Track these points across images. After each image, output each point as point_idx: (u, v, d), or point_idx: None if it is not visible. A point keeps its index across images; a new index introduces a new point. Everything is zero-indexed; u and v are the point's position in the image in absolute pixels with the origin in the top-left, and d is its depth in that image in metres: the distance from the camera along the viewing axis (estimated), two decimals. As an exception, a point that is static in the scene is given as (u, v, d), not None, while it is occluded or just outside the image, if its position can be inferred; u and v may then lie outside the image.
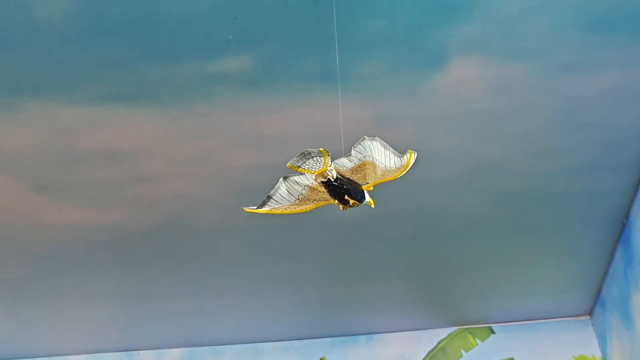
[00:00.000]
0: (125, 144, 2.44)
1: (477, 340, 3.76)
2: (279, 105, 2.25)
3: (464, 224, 2.97)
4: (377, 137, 1.40)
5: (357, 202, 1.42)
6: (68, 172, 2.58)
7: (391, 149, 1.42)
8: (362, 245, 3.11)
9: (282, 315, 3.68)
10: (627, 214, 2.92)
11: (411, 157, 1.43)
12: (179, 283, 3.33)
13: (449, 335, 3.81)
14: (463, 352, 3.74)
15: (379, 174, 1.43)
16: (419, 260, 3.25)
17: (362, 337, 3.86)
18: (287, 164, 1.40)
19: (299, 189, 1.46)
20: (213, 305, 3.53)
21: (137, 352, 3.97)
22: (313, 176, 1.41)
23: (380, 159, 1.41)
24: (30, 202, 2.73)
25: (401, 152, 1.45)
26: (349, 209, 1.47)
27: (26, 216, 2.81)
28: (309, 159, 1.38)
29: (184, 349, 3.95)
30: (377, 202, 2.71)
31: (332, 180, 1.40)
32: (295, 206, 1.49)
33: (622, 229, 3.01)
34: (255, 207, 1.50)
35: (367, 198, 1.46)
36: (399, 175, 1.44)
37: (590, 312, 3.69)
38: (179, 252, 3.10)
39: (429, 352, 3.76)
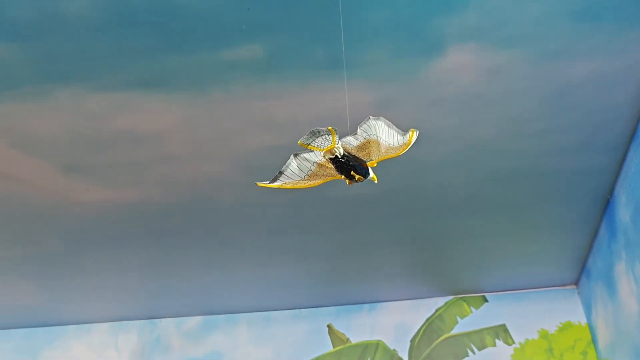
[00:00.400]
0: (147, 128, 2.46)
1: (471, 308, 3.78)
2: (289, 90, 2.26)
3: (459, 201, 2.98)
4: (381, 117, 1.42)
5: (362, 178, 1.44)
6: (95, 154, 2.60)
7: (395, 127, 1.43)
8: (365, 220, 3.12)
9: (292, 285, 3.70)
10: (611, 191, 2.93)
11: (413, 135, 1.44)
12: (197, 256, 3.35)
13: (445, 303, 3.83)
14: (458, 319, 3.76)
15: (383, 151, 1.44)
16: (417, 234, 3.26)
17: (366, 306, 3.88)
18: (298, 142, 1.42)
19: (308, 165, 1.48)
20: (228, 276, 3.55)
21: (159, 319, 4.00)
22: (322, 153, 1.43)
23: (384, 137, 1.42)
24: (61, 182, 2.76)
25: (403, 132, 1.46)
26: (354, 184, 1.49)
27: (57, 195, 2.84)
28: (318, 137, 1.39)
29: (201, 317, 3.99)
30: (379, 180, 2.74)
31: (339, 157, 1.42)
32: (304, 181, 1.51)
33: (606, 205, 3.02)
34: (268, 182, 1.52)
35: (371, 174, 1.47)
36: (401, 152, 1.45)
37: (576, 282, 3.71)
38: (197, 228, 3.12)
39: (427, 319, 3.78)
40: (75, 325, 4.03)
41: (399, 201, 2.96)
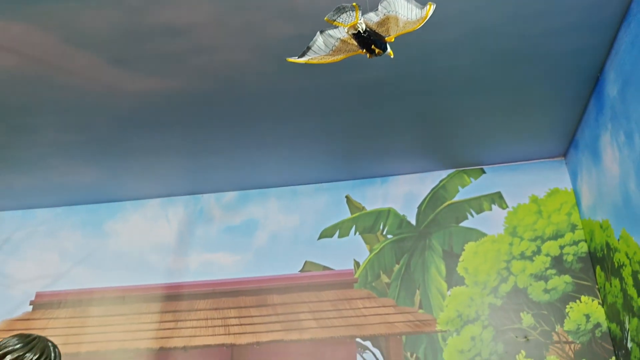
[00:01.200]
0: (183, 20, 2.44)
1: (471, 179, 3.85)
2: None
3: (463, 82, 2.96)
4: None
5: (381, 52, 1.44)
6: (137, 46, 2.59)
7: (413, 1, 1.41)
8: (378, 102, 3.12)
9: (314, 162, 3.77)
10: (601, 69, 2.88)
11: (430, 9, 1.42)
12: (231, 137, 3.40)
13: (448, 175, 3.89)
14: (460, 188, 3.83)
15: (401, 26, 1.42)
16: (425, 114, 3.26)
17: (378, 179, 3.96)
18: (325, 18, 1.41)
19: (333, 41, 1.47)
20: (259, 155, 3.62)
21: (202, 195, 4.14)
22: (345, 29, 1.42)
23: (403, 12, 1.39)
24: (108, 73, 2.78)
25: (421, 5, 1.43)
26: (374, 58, 1.49)
27: (106, 85, 2.87)
28: (343, 13, 1.38)
29: (237, 192, 4.11)
30: (391, 65, 2.71)
31: (362, 32, 1.41)
32: (329, 56, 1.51)
33: (596, 82, 2.98)
34: (297, 58, 1.52)
35: (389, 49, 1.47)
36: (417, 26, 1.44)
37: (564, 154, 3.73)
38: (230, 113, 3.15)
39: (432, 189, 3.87)
40: (131, 201, 4.19)
41: (408, 84, 2.95)
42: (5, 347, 2.15)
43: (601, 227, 3.15)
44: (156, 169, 3.76)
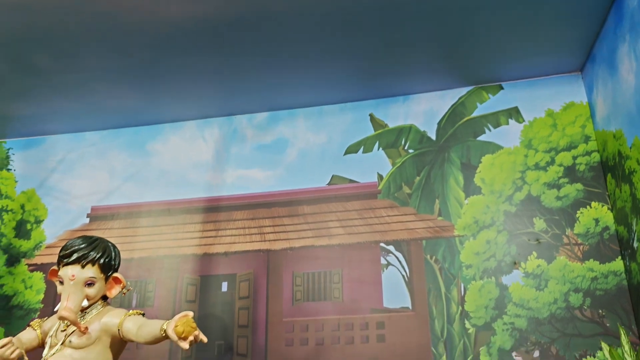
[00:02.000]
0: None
1: (489, 95, 3.78)
2: None
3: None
4: None
5: None
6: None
7: None
8: (400, 22, 3.04)
9: (339, 82, 3.73)
10: (623, -21, 2.73)
11: None
12: (261, 60, 3.38)
13: (467, 92, 3.82)
14: (478, 104, 3.78)
15: None
16: (444, 32, 3.17)
17: (400, 98, 3.92)
18: None
19: None
20: (288, 76, 3.59)
21: (235, 116, 4.17)
22: None
23: None
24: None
25: None
26: None
27: (144, 12, 2.85)
28: None
29: (268, 113, 4.13)
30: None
31: None
32: None
33: (616, -6, 2.84)
34: None
35: None
36: None
37: (581, 68, 3.61)
38: (260, 36, 3.11)
39: (452, 106, 3.82)
40: (170, 123, 4.25)
41: (427, 3, 2.86)
42: (72, 246, 2.30)
43: (614, 136, 3.10)
44: (192, 92, 3.79)
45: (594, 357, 3.05)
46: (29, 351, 2.31)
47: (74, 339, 2.22)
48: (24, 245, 4.13)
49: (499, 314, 3.27)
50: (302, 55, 3.36)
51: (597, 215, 3.29)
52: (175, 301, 3.73)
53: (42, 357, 2.25)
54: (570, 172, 3.42)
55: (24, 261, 4.09)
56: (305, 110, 4.05)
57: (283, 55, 3.35)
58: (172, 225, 3.94)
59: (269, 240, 3.74)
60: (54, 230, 4.15)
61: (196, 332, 1.99)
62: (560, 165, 3.45)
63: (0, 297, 3.99)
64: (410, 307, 3.40)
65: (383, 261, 3.54)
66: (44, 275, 4.03)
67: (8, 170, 4.41)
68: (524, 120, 3.63)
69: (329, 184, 3.82)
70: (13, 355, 2.19)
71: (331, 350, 3.40)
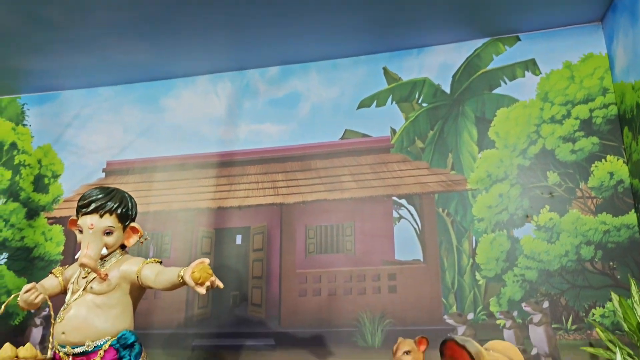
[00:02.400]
0: None
1: (505, 46, 3.69)
2: None
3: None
4: None
5: None
6: None
7: None
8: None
9: (353, 35, 3.65)
10: None
11: None
12: (273, 13, 3.32)
13: (483, 44, 3.73)
14: (494, 56, 3.69)
15: None
16: (462, -20, 3.07)
17: (414, 50, 3.85)
18: None
19: None
20: (300, 29, 3.52)
21: (247, 70, 4.11)
22: None
23: None
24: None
25: None
26: None
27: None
28: None
29: (279, 67, 4.07)
30: None
31: None
32: None
33: (643, -64, 2.71)
34: None
35: None
36: None
37: (601, 18, 3.50)
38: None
39: (467, 58, 3.74)
40: (182, 78, 4.22)
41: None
42: (90, 197, 2.33)
43: (633, 88, 3.03)
44: (204, 46, 3.74)
45: (603, 307, 3.08)
46: (52, 297, 2.39)
47: (95, 285, 2.29)
48: (43, 199, 4.21)
49: (510, 266, 3.30)
50: (315, 6, 3.28)
51: (612, 168, 3.26)
52: (191, 254, 3.80)
53: (65, 302, 2.33)
54: (587, 126, 3.37)
55: (43, 214, 4.18)
56: (318, 64, 3.99)
57: (295, 7, 3.28)
58: (186, 179, 3.98)
59: (282, 194, 3.77)
60: (70, 184, 4.21)
61: (212, 278, 2.04)
62: (577, 118, 3.40)
63: (21, 249, 4.10)
64: (422, 260, 3.44)
65: (395, 214, 3.56)
66: (63, 228, 4.12)
67: (24, 125, 4.45)
68: (540, 73, 3.56)
69: (341, 138, 3.81)
70: (37, 300, 2.27)
71: (343, 301, 3.47)
